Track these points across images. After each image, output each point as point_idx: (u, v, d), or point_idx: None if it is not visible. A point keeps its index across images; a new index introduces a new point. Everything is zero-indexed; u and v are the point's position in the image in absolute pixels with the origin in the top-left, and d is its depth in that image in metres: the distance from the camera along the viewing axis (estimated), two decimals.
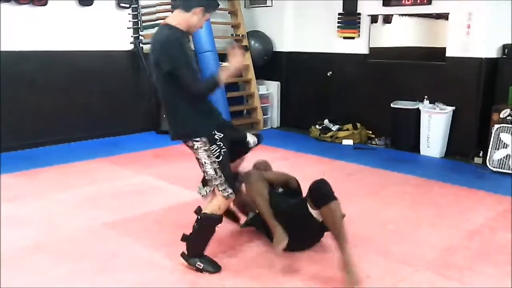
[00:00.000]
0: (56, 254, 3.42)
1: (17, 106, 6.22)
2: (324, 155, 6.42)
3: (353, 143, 7.09)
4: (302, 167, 5.84)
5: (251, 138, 3.30)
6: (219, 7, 8.13)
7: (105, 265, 3.25)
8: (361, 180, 5.38)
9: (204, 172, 3.11)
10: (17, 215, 4.12)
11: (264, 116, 8.38)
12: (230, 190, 3.09)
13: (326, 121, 7.52)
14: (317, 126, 7.52)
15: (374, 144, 7.09)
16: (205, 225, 3.14)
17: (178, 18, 3.02)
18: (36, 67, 6.35)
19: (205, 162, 3.04)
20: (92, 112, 6.98)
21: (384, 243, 3.67)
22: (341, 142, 7.14)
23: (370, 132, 7.26)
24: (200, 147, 3.02)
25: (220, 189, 3.07)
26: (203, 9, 3.01)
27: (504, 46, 6.08)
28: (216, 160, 3.03)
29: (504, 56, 6.09)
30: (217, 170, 3.04)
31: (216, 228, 3.18)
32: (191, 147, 3.10)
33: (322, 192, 3.20)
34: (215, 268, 3.16)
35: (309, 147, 6.92)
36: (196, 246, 3.18)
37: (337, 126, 7.36)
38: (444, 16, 7.52)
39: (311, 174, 5.55)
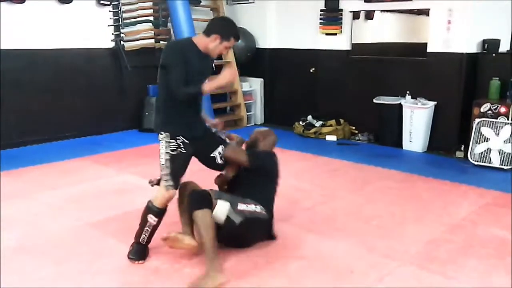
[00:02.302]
0: (41, 255, 3.38)
1: None
2: (307, 151, 6.44)
3: (337, 139, 7.12)
4: (286, 164, 5.81)
5: (218, 154, 3.40)
6: (201, 3, 8.08)
7: (90, 266, 3.22)
8: (345, 175, 5.40)
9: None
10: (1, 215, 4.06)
11: (248, 113, 8.37)
12: (171, 183, 3.20)
13: (309, 117, 7.54)
14: (300, 123, 7.53)
15: (358, 140, 7.13)
16: (142, 213, 3.30)
17: (200, 40, 3.25)
18: (16, 66, 6.23)
19: (160, 152, 3.23)
20: (74, 111, 6.89)
21: (368, 238, 3.69)
22: (325, 138, 7.16)
23: (354, 127, 7.29)
24: (163, 138, 3.23)
25: (164, 179, 3.22)
26: (220, 37, 3.20)
27: (484, 41, 6.15)
28: (170, 152, 3.20)
29: (484, 51, 6.16)
30: (167, 161, 3.20)
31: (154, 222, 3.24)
32: (159, 138, 3.27)
33: (188, 200, 3.21)
34: (137, 257, 3.27)
35: (293, 143, 6.92)
36: (136, 233, 3.31)
37: (320, 122, 7.38)
38: (425, 12, 7.55)
39: (295, 170, 5.60)
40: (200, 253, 3.22)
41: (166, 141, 3.21)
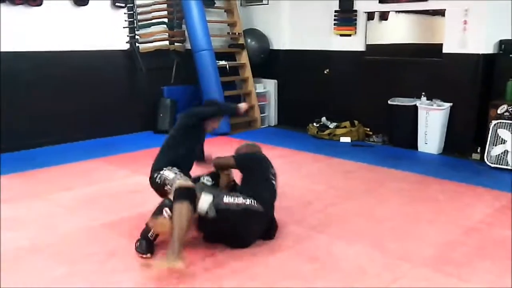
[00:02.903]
0: (54, 255, 3.40)
1: (13, 107, 6.18)
2: (322, 152, 6.41)
3: (351, 141, 7.08)
4: (300, 165, 5.84)
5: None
6: (215, 5, 8.12)
7: (103, 266, 3.23)
8: (359, 177, 5.36)
9: (165, 186, 3.53)
10: (14, 216, 4.10)
11: (262, 115, 8.37)
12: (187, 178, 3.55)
13: (323, 119, 7.52)
14: (314, 124, 7.51)
15: (372, 141, 7.08)
16: (156, 209, 3.45)
17: None
18: (32, 68, 6.31)
19: (167, 176, 3.54)
20: (88, 112, 6.95)
21: (382, 240, 3.66)
22: (339, 140, 7.13)
23: (368, 129, 7.25)
24: (167, 169, 3.60)
25: (183, 179, 3.45)
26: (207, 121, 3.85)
27: (501, 42, 6.06)
28: (177, 170, 3.58)
29: (501, 52, 6.06)
30: (177, 173, 3.55)
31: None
32: (156, 178, 3.61)
33: (174, 195, 3.31)
34: (146, 251, 3.36)
35: (307, 144, 6.91)
36: (144, 230, 3.46)
37: (334, 124, 7.36)
38: (440, 13, 7.49)
39: (309, 172, 5.59)
40: (216, 255, 3.24)
41: (169, 169, 3.59)
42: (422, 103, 6.45)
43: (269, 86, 8.52)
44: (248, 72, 8.22)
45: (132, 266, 3.23)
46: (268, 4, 8.34)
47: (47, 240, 3.64)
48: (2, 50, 6.01)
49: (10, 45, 6.08)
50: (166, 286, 2.99)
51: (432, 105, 6.35)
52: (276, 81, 8.49)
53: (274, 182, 3.70)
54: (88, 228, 3.87)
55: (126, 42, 7.25)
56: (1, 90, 6.04)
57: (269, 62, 8.40)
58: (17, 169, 5.44)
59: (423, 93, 6.51)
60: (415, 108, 6.49)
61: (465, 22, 6.10)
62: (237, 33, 8.23)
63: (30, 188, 4.88)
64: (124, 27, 7.18)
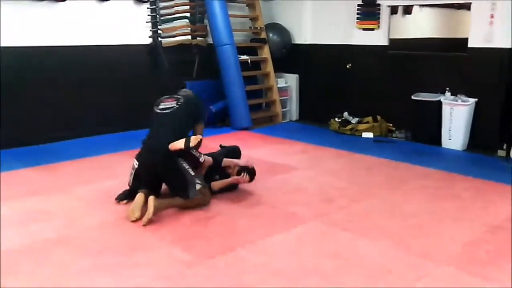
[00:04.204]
0: (78, 247, 3.44)
1: (38, 101, 6.28)
2: (343, 148, 6.37)
3: (373, 136, 7.02)
4: (321, 160, 5.81)
5: None
6: (237, 0, 8.08)
7: (126, 259, 3.26)
8: (382, 173, 5.32)
9: None
10: (39, 208, 4.16)
11: (283, 109, 8.35)
12: None
13: (345, 114, 7.47)
14: (336, 119, 7.47)
15: (395, 137, 7.01)
16: None
17: None
18: (55, 62, 6.40)
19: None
20: (111, 106, 7.00)
21: (406, 238, 3.62)
22: (361, 135, 7.07)
23: (391, 124, 7.18)
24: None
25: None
26: None
27: None
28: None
29: None
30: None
31: None
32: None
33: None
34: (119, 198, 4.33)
35: (329, 140, 6.87)
36: None
37: (356, 119, 7.30)
38: (466, 6, 7.36)
39: (331, 167, 5.56)
40: (237, 249, 3.24)
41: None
42: (446, 99, 6.36)
43: (290, 81, 8.49)
44: (269, 67, 8.20)
45: (155, 259, 3.26)
46: None
47: (72, 233, 3.69)
48: (27, 45, 6.10)
49: (35, 41, 6.16)
50: (186, 279, 3.01)
51: (456, 101, 6.26)
52: (297, 75, 8.46)
53: (165, 111, 4.44)
54: (111, 221, 3.90)
55: (149, 37, 7.28)
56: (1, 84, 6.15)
57: (291, 56, 8.37)
58: (42, 162, 5.53)
59: (448, 88, 6.41)
60: (439, 103, 6.41)
61: (492, 16, 5.98)
62: (259, 28, 8.21)
63: (56, 181, 4.95)
64: (146, 22, 7.21)
